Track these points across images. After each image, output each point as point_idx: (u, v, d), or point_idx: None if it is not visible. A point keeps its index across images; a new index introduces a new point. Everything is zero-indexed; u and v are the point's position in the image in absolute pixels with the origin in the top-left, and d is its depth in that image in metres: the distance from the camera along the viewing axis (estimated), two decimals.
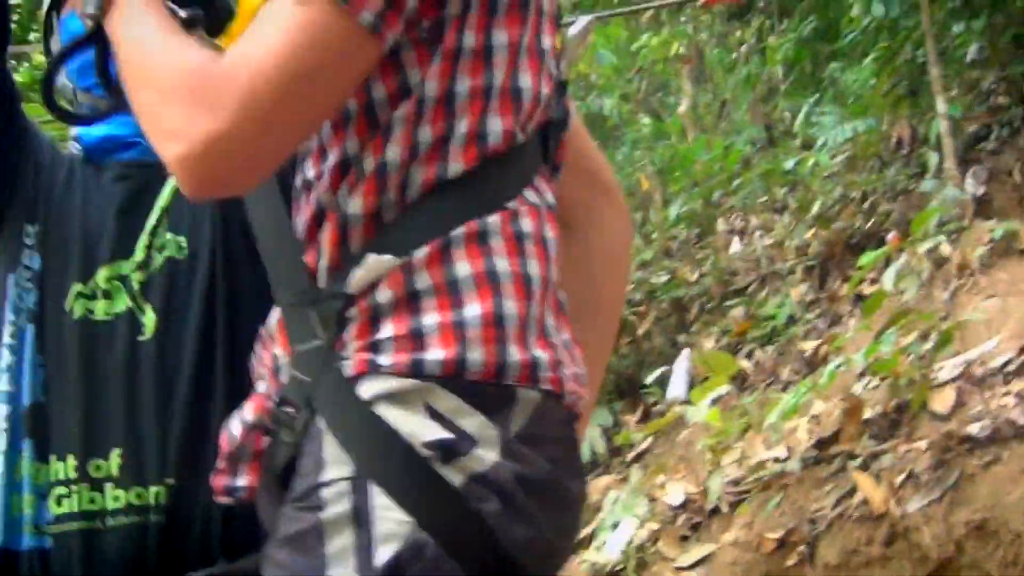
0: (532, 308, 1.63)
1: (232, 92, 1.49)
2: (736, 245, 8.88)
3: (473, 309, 1.58)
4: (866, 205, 8.04)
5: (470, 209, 1.63)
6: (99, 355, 2.15)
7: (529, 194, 1.69)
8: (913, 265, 6.30)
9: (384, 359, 1.57)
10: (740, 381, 7.15)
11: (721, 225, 9.23)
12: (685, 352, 7.87)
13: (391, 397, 1.56)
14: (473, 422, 1.55)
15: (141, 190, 2.24)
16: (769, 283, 8.17)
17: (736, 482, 5.84)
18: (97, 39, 1.86)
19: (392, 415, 1.55)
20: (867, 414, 5.53)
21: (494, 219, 1.63)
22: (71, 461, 2.10)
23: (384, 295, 1.59)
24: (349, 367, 1.59)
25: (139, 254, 2.19)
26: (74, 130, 2.35)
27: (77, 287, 2.18)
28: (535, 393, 1.60)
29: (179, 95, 1.52)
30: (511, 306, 1.60)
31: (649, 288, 8.91)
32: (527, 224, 1.66)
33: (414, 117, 1.61)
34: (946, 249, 6.55)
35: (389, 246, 1.61)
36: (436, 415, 1.55)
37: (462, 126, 1.62)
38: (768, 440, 5.88)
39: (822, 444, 5.64)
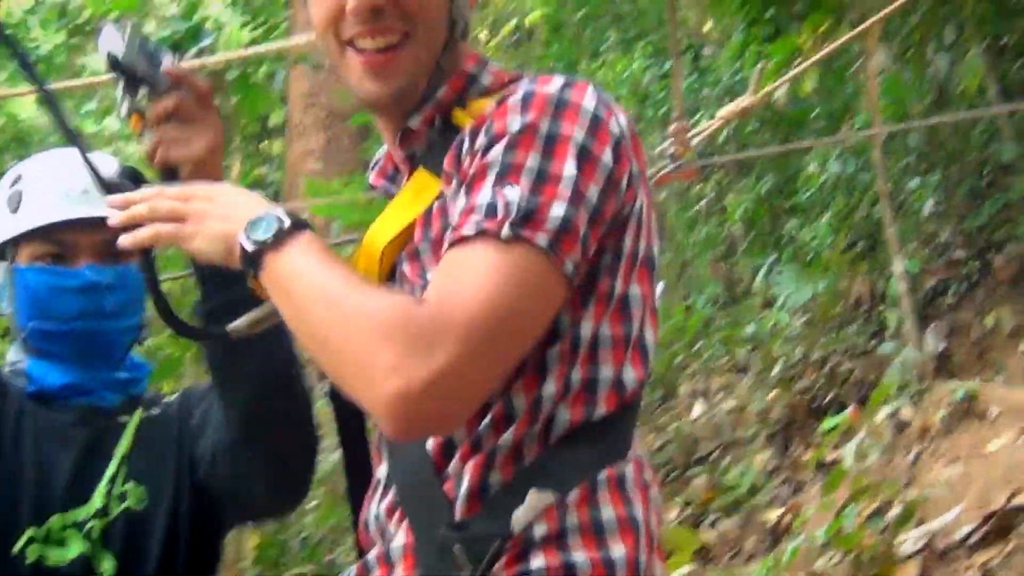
0: (653, 559, 1.70)
1: (448, 333, 1.51)
2: (699, 408, 8.78)
3: (618, 551, 1.64)
4: (827, 367, 7.97)
5: (610, 455, 1.69)
6: None
7: (635, 443, 1.76)
8: (874, 437, 6.24)
9: None
10: (704, 554, 7.02)
11: (684, 388, 9.15)
12: None
13: None
14: None
15: (98, 437, 2.25)
16: (732, 450, 8.07)
17: None
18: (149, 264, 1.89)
19: None
20: None
21: (629, 467, 1.71)
22: None
23: (539, 530, 1.63)
24: None
25: (98, 502, 2.19)
26: (24, 366, 2.32)
27: (30, 531, 2.16)
28: None
29: (392, 336, 1.51)
30: (643, 555, 1.67)
31: None
32: (648, 475, 1.75)
33: (568, 357, 1.67)
34: (907, 412, 6.51)
35: (537, 482, 1.64)
36: None
37: (607, 371, 1.69)
38: None
39: None
